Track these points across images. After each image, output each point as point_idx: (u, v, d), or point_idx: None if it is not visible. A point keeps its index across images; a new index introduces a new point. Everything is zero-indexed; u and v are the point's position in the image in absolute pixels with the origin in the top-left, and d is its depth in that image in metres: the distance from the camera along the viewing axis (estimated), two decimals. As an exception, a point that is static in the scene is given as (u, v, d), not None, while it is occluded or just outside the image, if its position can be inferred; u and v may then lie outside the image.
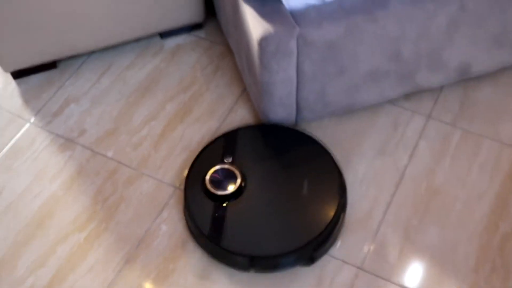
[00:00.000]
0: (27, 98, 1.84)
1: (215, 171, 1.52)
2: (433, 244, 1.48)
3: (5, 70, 1.84)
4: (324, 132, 1.70)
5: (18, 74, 1.88)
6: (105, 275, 1.48)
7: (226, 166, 1.53)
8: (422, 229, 1.51)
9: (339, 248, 1.49)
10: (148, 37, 1.95)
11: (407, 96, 1.75)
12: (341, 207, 1.48)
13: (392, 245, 1.49)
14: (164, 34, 1.95)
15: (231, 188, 1.49)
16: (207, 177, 1.51)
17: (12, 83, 1.88)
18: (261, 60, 1.47)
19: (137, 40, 1.95)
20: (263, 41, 1.42)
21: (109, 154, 1.70)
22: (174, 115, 1.77)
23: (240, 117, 1.75)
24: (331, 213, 1.45)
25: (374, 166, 1.62)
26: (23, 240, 1.55)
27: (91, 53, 1.93)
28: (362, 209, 1.55)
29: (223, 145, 1.60)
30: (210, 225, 1.46)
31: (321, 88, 1.59)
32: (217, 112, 1.76)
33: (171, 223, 1.56)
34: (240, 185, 1.50)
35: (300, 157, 1.56)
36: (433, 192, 1.57)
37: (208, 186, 1.49)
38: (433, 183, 1.58)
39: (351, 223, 1.53)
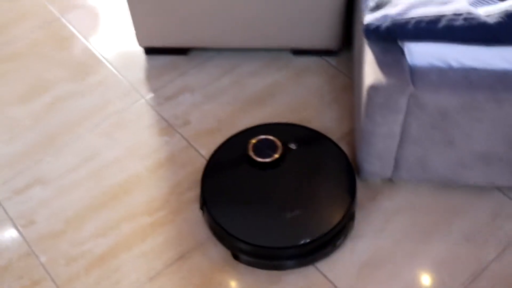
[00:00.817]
0: (150, 76, 1.91)
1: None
2: None
3: (140, 44, 1.92)
4: (417, 197, 1.60)
5: (149, 51, 1.96)
6: (154, 265, 1.50)
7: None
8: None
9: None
10: (280, 49, 1.95)
11: (520, 189, 1.60)
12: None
13: None
14: (296, 51, 1.94)
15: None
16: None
17: (142, 57, 1.96)
18: (366, 108, 1.41)
19: (268, 50, 1.95)
20: (372, 90, 1.36)
21: (202, 152, 1.72)
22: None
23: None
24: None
25: (454, 251, 1.50)
26: (95, 206, 1.62)
27: (221, 50, 1.96)
28: (426, 291, 1.44)
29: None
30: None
31: (424, 154, 1.50)
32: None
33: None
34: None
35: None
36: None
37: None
38: (514, 290, 1.44)
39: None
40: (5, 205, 1.63)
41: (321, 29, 1.84)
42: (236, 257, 1.50)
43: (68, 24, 2.09)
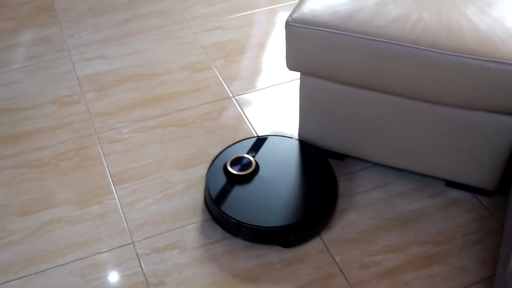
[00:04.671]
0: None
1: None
2: None
3: (299, 138, 2.02)
4: None
5: (308, 149, 2.05)
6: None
7: None
8: None
9: None
10: (434, 177, 1.97)
11: None
12: None
13: None
14: (449, 183, 1.95)
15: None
16: None
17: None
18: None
19: (423, 175, 1.97)
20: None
21: (337, 258, 1.76)
22: (413, 260, 1.75)
23: (472, 299, 1.66)
24: None
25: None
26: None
27: (376, 164, 2.02)
28: None
29: None
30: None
31: None
32: (453, 281, 1.70)
33: None
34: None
35: None
36: None
37: None
38: None
39: None
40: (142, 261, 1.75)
41: (479, 167, 1.84)
42: None
43: (237, 106, 2.25)
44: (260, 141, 1.98)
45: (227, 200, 1.80)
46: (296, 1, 2.76)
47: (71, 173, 2.01)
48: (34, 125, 2.18)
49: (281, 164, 1.90)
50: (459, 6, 1.69)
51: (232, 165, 1.87)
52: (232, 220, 1.75)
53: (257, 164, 1.89)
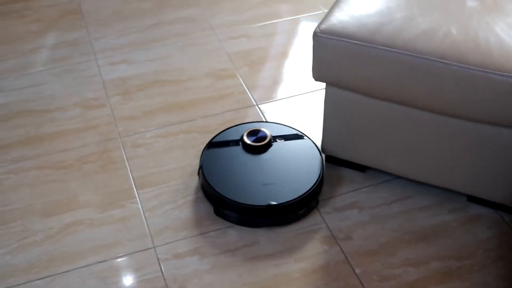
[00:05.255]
0: (325, 183, 1.99)
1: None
2: None
3: (323, 151, 2.02)
4: None
5: (330, 159, 2.05)
6: None
7: None
8: None
9: None
10: (455, 192, 1.96)
11: None
12: None
13: None
14: (471, 198, 1.94)
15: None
16: None
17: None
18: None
19: (445, 189, 1.97)
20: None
21: (357, 270, 1.76)
22: (434, 274, 1.75)
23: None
24: None
25: None
26: None
27: (398, 177, 2.01)
28: None
29: None
30: None
31: None
32: (473, 297, 1.70)
33: None
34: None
35: None
36: None
37: None
38: None
39: None
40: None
41: (501, 184, 1.83)
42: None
43: (261, 114, 2.26)
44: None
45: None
46: (320, 12, 2.77)
47: (94, 176, 2.03)
48: (59, 127, 2.21)
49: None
50: (487, 21, 1.69)
51: (248, 136, 1.99)
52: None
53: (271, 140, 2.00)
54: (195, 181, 2.01)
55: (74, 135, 2.17)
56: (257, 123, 2.10)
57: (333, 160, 2.06)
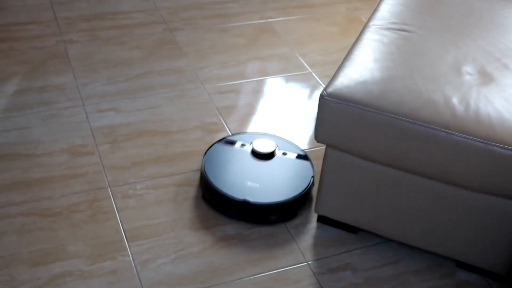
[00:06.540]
0: (317, 243, 2.00)
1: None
2: None
3: (316, 211, 2.04)
4: None
5: (322, 219, 2.07)
6: None
7: None
8: None
9: None
10: (445, 257, 1.99)
11: None
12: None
13: None
14: (460, 263, 1.98)
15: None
16: None
17: (313, 224, 2.07)
18: None
19: (434, 253, 2.00)
20: None
21: (352, 333, 1.76)
22: None
23: None
24: None
25: None
26: None
27: (389, 240, 2.04)
28: None
29: None
30: None
31: None
32: None
33: None
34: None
35: None
36: None
37: None
38: None
39: None
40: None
41: (490, 251, 1.87)
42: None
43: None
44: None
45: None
46: (305, 72, 2.82)
47: (83, 226, 1.98)
48: (46, 173, 2.16)
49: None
50: (485, 94, 1.76)
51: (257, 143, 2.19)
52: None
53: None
54: (187, 235, 1.98)
55: (62, 182, 2.13)
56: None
57: (325, 221, 2.07)
